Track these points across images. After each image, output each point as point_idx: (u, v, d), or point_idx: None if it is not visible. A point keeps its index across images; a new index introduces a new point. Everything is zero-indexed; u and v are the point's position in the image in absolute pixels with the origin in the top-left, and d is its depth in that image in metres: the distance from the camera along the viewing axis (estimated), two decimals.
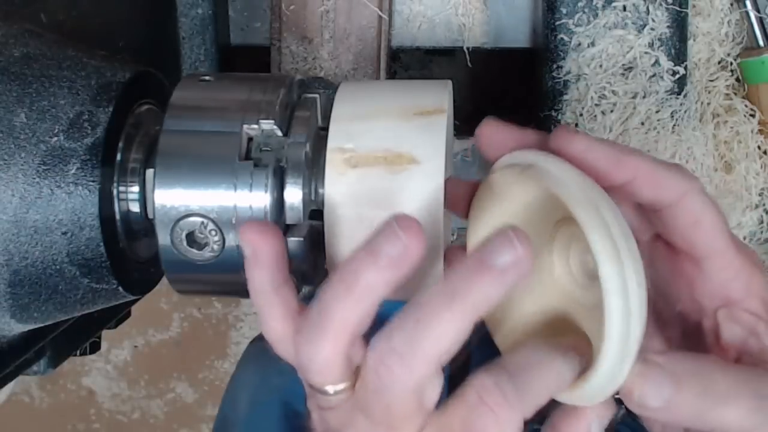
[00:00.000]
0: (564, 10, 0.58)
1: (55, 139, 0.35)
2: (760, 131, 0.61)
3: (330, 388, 0.30)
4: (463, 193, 0.35)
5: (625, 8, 0.58)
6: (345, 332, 0.28)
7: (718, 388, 0.29)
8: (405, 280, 0.28)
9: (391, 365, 0.27)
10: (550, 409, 0.32)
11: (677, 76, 0.58)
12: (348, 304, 0.28)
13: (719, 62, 0.62)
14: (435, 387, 0.29)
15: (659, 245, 0.34)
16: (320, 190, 0.35)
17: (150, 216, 0.36)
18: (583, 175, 0.30)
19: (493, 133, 0.34)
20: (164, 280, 0.38)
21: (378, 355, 0.28)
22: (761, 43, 0.60)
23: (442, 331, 0.27)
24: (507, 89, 0.83)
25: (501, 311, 0.34)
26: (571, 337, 0.32)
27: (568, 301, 0.34)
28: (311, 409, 0.32)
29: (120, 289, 0.38)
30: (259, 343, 0.76)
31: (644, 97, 0.58)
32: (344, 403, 0.30)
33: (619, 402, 0.65)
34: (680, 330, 0.35)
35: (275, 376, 0.65)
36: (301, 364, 0.30)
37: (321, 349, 0.28)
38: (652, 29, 0.58)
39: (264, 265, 0.30)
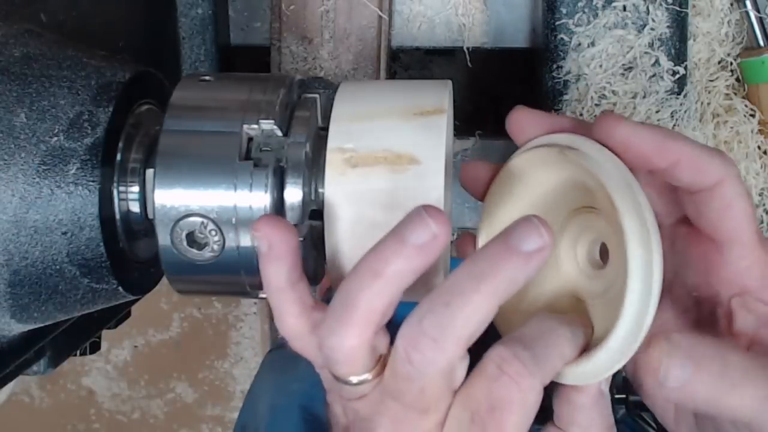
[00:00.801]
0: (564, 10, 0.58)
1: (55, 139, 0.35)
2: (760, 131, 0.61)
3: (354, 378, 0.30)
4: (483, 175, 0.36)
5: (625, 8, 0.57)
6: (371, 320, 0.29)
7: (734, 374, 0.29)
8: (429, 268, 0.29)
9: (424, 349, 0.28)
10: (550, 400, 0.33)
11: (677, 76, 0.58)
12: (375, 291, 0.28)
13: (719, 62, 0.62)
14: (463, 367, 0.30)
15: (681, 230, 0.34)
16: (320, 190, 0.35)
17: (150, 216, 0.36)
18: (618, 161, 0.31)
19: (525, 119, 0.34)
20: (164, 280, 0.38)
21: (409, 341, 0.28)
22: (761, 43, 0.60)
23: (471, 313, 0.28)
24: (507, 89, 0.83)
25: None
26: (571, 315, 0.33)
27: (570, 290, 0.35)
28: (332, 401, 0.33)
29: (120, 289, 0.38)
30: (276, 352, 0.77)
31: (644, 97, 0.58)
32: (371, 391, 0.30)
33: (618, 402, 0.65)
34: (695, 317, 0.35)
35: (293, 381, 0.66)
36: (325, 355, 0.30)
37: (347, 338, 0.29)
38: (652, 29, 0.58)
39: (281, 259, 0.30)
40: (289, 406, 0.65)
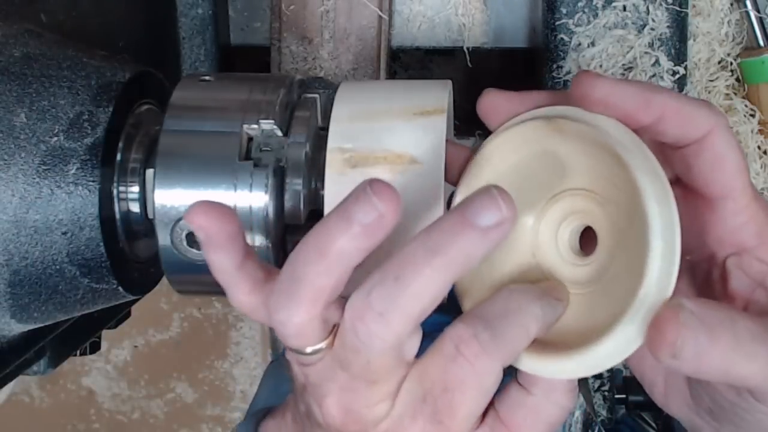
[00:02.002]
0: (564, 10, 0.58)
1: (55, 139, 0.35)
2: (760, 131, 0.61)
3: (308, 349, 0.29)
4: (456, 159, 0.34)
5: (625, 8, 0.57)
6: (318, 298, 0.28)
7: (744, 340, 0.27)
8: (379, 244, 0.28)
9: (369, 323, 0.27)
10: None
11: (677, 76, 0.58)
12: (320, 270, 0.27)
13: (719, 62, 0.62)
14: (414, 341, 0.29)
15: (676, 191, 0.32)
16: (320, 191, 0.35)
17: (150, 216, 0.36)
18: (617, 121, 0.30)
19: (497, 101, 0.33)
20: (164, 280, 0.38)
21: (356, 313, 0.27)
22: (761, 43, 0.60)
23: (422, 289, 0.26)
24: (507, 89, 0.83)
25: (471, 276, 0.33)
26: (546, 284, 0.31)
27: (547, 275, 0.33)
28: (291, 360, 0.32)
29: (120, 289, 0.38)
30: (275, 362, 0.78)
31: None
32: (323, 359, 0.29)
33: (618, 402, 0.65)
34: (688, 281, 0.34)
35: (285, 383, 0.66)
36: (276, 329, 0.29)
37: (294, 314, 0.28)
38: (652, 29, 0.57)
39: (220, 248, 0.29)
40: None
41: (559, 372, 0.30)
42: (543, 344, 0.30)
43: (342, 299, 0.29)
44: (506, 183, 0.32)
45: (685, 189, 0.32)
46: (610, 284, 0.31)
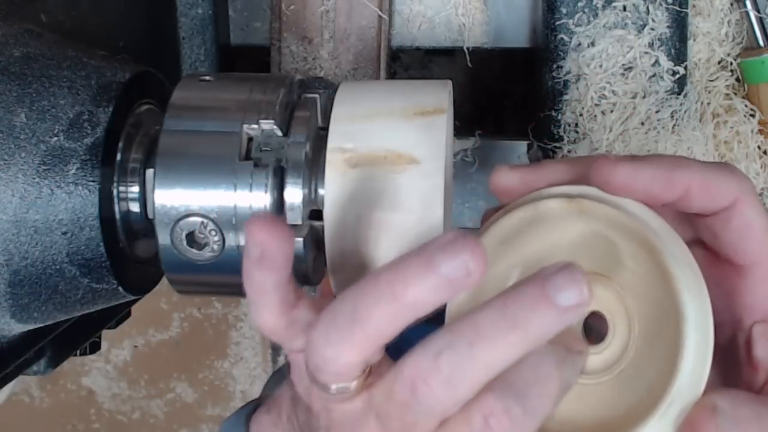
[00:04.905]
0: (564, 10, 0.58)
1: (55, 139, 0.35)
2: (760, 131, 0.61)
3: (334, 387, 0.28)
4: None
5: (625, 8, 0.57)
6: (375, 343, 0.26)
7: None
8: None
9: (434, 387, 0.26)
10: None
11: (677, 76, 0.58)
12: (388, 313, 0.26)
13: (719, 62, 0.62)
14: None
15: (697, 253, 0.32)
16: (320, 190, 0.35)
17: (150, 216, 0.36)
18: (643, 206, 0.29)
19: (510, 179, 0.32)
20: (164, 280, 0.38)
21: (420, 373, 0.26)
22: (761, 43, 0.60)
23: (495, 360, 0.26)
24: (507, 89, 0.83)
25: None
26: (565, 337, 0.30)
27: None
28: (297, 384, 0.30)
29: (120, 289, 0.38)
30: (278, 373, 0.78)
31: (644, 97, 0.58)
32: (351, 400, 0.28)
33: None
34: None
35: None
36: (313, 362, 0.27)
37: (344, 354, 0.26)
38: (652, 29, 0.57)
39: (273, 269, 0.27)
40: None
41: None
42: None
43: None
44: (515, 260, 0.31)
45: (711, 253, 0.31)
46: (627, 376, 0.29)
